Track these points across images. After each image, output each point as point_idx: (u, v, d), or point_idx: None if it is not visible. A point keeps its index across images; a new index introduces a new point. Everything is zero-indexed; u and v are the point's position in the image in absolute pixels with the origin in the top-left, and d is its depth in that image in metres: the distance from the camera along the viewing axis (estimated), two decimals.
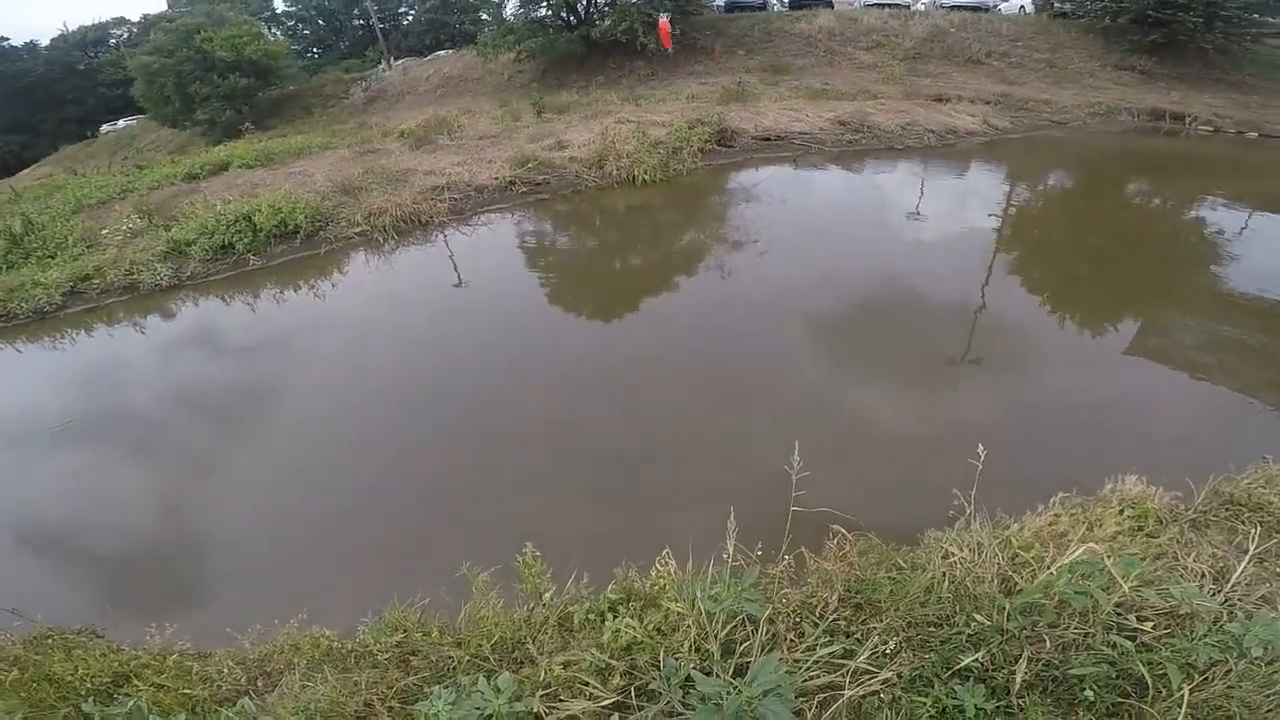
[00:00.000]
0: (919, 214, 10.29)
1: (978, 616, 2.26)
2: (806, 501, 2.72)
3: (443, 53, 29.03)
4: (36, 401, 8.34)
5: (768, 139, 14.02)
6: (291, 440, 6.52)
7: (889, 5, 22.54)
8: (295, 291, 10.46)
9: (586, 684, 2.21)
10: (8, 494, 6.39)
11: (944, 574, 2.59)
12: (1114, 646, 2.03)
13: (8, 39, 44.86)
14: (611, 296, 9.07)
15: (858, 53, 19.69)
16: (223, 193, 13.27)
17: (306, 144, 16.57)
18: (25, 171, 31.11)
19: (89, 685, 3.03)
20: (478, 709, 1.83)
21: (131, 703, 2.12)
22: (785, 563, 2.89)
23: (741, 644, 2.33)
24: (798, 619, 2.53)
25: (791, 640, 2.37)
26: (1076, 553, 2.24)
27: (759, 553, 2.78)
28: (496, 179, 12.85)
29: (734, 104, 15.67)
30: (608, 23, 20.82)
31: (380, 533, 5.02)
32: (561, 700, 2.14)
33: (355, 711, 2.34)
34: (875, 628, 2.39)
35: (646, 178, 12.63)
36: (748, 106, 15.49)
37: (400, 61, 29.77)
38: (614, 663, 2.28)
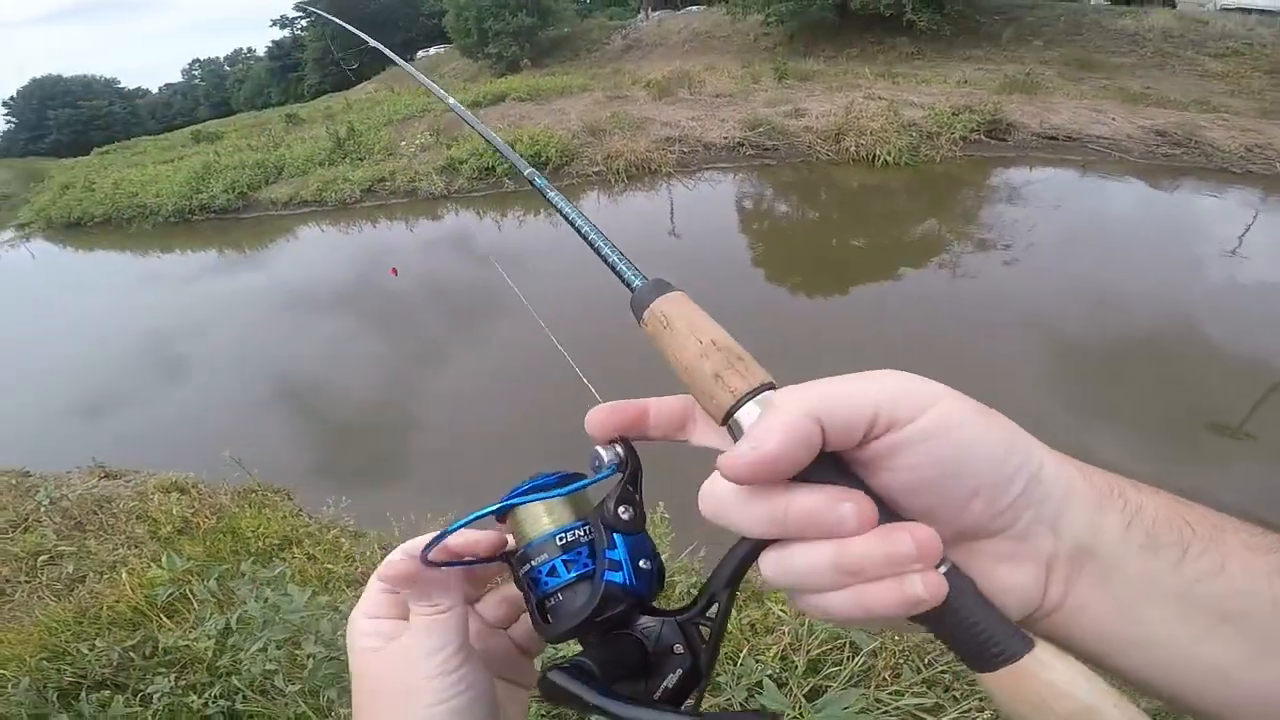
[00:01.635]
0: (1239, 251, 8.10)
1: None
2: None
3: (695, 8, 29.11)
4: (322, 272, 10.61)
5: (1053, 138, 11.99)
6: (498, 346, 7.47)
7: (1258, 11, 17.52)
8: (535, 216, 11.73)
9: None
10: (277, 348, 8.10)
11: None
12: None
13: None
14: (820, 271, 8.81)
15: (1203, 59, 15.78)
16: (495, 121, 15.06)
17: (568, 84, 17.95)
18: (358, 86, 37.92)
19: (260, 544, 3.26)
20: None
21: (279, 569, 2.41)
22: None
23: (831, 667, 2.34)
24: (901, 660, 2.45)
25: (884, 680, 2.32)
26: None
27: None
28: (726, 138, 12.87)
29: (1016, 95, 13.63)
30: None
31: (547, 447, 5.56)
32: None
33: None
34: (980, 691, 2.22)
35: (889, 159, 11.67)
36: (1035, 100, 13.39)
37: (656, 13, 30.68)
38: None
